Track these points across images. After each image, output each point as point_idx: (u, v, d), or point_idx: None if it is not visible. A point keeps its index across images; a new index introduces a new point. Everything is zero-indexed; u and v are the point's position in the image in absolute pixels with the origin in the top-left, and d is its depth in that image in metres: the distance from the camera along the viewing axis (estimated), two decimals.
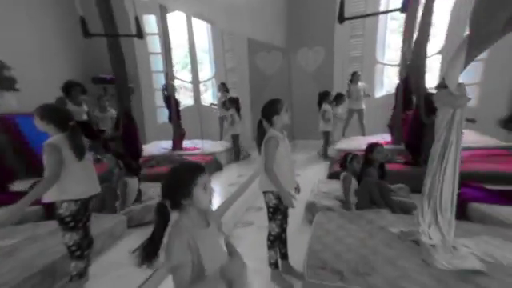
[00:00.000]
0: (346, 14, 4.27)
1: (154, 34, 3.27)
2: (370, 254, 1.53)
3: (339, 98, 4.82)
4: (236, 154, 4.41)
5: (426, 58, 3.10)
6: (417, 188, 1.78)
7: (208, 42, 4.43)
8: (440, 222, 1.44)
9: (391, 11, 3.89)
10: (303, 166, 4.37)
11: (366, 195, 2.26)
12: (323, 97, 4.61)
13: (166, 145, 3.47)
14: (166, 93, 3.23)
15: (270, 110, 1.62)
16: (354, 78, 4.89)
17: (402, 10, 3.79)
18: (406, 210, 2.22)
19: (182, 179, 0.95)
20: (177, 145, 3.50)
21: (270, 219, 1.70)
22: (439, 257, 1.39)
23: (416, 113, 3.19)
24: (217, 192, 3.00)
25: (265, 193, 1.67)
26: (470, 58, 1.34)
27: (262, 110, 1.66)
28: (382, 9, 4.91)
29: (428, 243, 1.45)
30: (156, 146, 3.40)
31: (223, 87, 4.39)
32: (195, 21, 3.21)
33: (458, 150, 1.40)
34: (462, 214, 2.04)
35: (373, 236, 1.71)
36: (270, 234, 1.71)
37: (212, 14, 3.10)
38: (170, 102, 3.23)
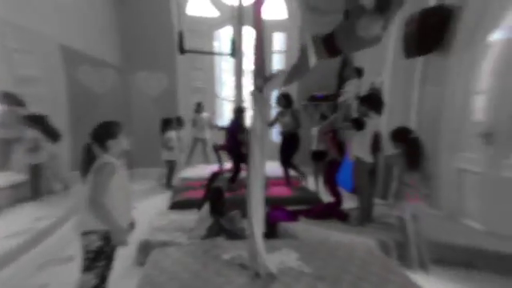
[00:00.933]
0: (188, 47, 4.48)
1: None
2: (202, 285, 1.50)
3: (180, 121, 4.72)
4: (35, 189, 3.29)
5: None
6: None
7: None
8: (252, 240, 1.59)
9: (223, 54, 4.39)
10: (141, 198, 3.95)
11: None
12: (166, 124, 4.40)
13: None
14: None
15: (104, 133, 1.44)
16: (199, 108, 5.02)
17: (232, 54, 4.42)
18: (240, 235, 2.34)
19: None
20: None
21: (87, 269, 1.37)
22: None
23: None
24: None
25: (85, 234, 1.37)
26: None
27: (92, 133, 1.44)
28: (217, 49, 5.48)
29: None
30: None
31: (10, 99, 3.24)
32: None
33: (260, 171, 1.59)
34: (273, 232, 2.44)
35: (207, 266, 1.69)
36: None
37: None
38: None
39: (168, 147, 4.35)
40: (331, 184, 3.07)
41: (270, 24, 4.75)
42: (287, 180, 3.86)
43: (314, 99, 5.41)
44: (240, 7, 4.07)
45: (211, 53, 5.37)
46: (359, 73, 3.51)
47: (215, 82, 5.91)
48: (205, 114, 5.08)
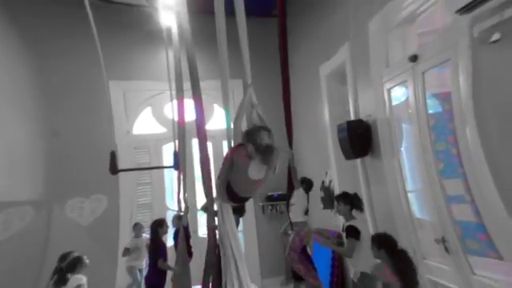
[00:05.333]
0: (130, 164, 4.29)
1: None
2: None
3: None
4: None
5: None
6: None
7: None
8: None
9: (165, 167, 4.25)
10: None
11: None
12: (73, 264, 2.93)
13: None
14: None
15: None
16: (137, 230, 4.34)
17: (175, 167, 4.28)
18: None
19: None
20: None
21: None
22: None
23: None
24: None
25: None
26: None
27: None
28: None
29: None
30: None
31: None
32: None
33: None
34: None
35: None
36: None
37: None
38: None
39: None
40: None
41: (219, 133, 4.89)
42: None
43: (270, 199, 5.46)
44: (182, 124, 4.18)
45: (152, 168, 5.21)
46: (307, 185, 3.48)
47: (166, 193, 5.58)
48: (144, 236, 4.28)
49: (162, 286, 3.28)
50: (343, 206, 2.76)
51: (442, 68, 2.27)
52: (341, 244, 2.94)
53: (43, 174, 4.57)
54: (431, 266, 2.56)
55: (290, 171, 3.27)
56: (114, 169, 3.35)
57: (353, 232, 2.54)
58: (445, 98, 2.34)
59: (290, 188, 3.32)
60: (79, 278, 2.80)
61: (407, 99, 2.76)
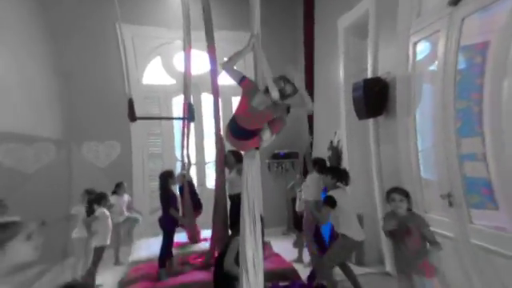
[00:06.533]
0: (141, 113, 4.31)
1: None
2: None
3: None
4: None
5: None
6: None
7: None
8: None
9: (182, 119, 4.25)
10: None
11: None
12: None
13: None
14: None
15: None
16: (119, 189, 4.20)
17: (191, 119, 4.30)
18: None
19: None
20: None
21: None
22: None
23: None
24: None
25: None
26: None
27: None
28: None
29: None
30: None
31: None
32: None
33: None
34: None
35: None
36: None
37: None
38: None
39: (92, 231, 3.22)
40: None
41: (228, 89, 4.81)
42: None
43: (276, 157, 5.55)
44: (188, 75, 4.11)
45: (167, 118, 5.25)
46: (320, 166, 3.41)
47: (175, 146, 5.69)
48: (126, 197, 4.35)
49: (173, 230, 3.51)
50: (330, 179, 2.83)
51: (482, 13, 2.07)
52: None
53: (60, 114, 4.67)
54: (432, 218, 2.67)
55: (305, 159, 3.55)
56: (133, 116, 3.36)
57: (329, 201, 2.66)
58: (478, 50, 2.17)
59: (305, 173, 3.55)
60: (102, 211, 3.32)
61: (432, 53, 2.61)
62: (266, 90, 1.73)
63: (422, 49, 2.84)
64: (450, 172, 2.41)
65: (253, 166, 1.84)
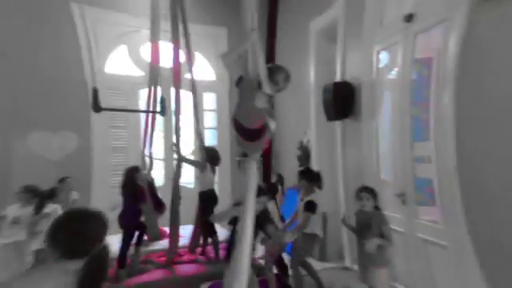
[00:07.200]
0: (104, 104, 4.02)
1: None
2: None
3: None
4: None
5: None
6: None
7: None
8: None
9: (152, 112, 4.02)
10: None
11: None
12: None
13: None
14: None
15: None
16: (63, 185, 3.60)
17: (161, 113, 4.10)
18: None
19: None
20: None
21: None
22: None
23: None
24: None
25: None
26: None
27: None
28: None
29: None
30: None
31: None
32: None
33: None
34: None
35: None
36: None
37: None
38: None
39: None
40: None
41: (200, 84, 4.68)
42: (204, 249, 3.59)
43: (246, 155, 5.55)
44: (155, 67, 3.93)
45: (136, 110, 4.98)
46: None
47: (141, 140, 5.41)
48: (74, 194, 3.84)
49: (135, 226, 3.36)
50: (306, 182, 2.85)
51: (428, 31, 2.35)
52: None
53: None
54: (387, 216, 2.92)
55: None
56: (97, 106, 3.10)
57: (311, 206, 2.67)
58: (425, 63, 2.46)
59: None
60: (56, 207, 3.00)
61: (392, 62, 2.83)
62: (259, 86, 1.71)
63: (384, 57, 3.06)
64: (405, 173, 2.69)
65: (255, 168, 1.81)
